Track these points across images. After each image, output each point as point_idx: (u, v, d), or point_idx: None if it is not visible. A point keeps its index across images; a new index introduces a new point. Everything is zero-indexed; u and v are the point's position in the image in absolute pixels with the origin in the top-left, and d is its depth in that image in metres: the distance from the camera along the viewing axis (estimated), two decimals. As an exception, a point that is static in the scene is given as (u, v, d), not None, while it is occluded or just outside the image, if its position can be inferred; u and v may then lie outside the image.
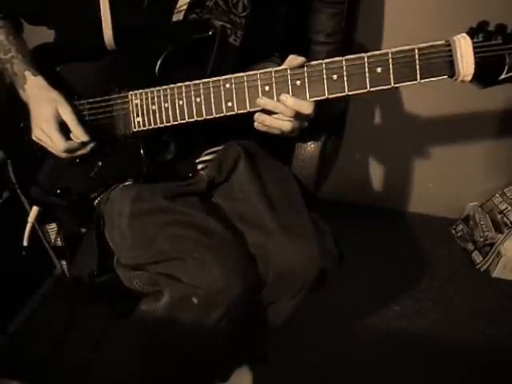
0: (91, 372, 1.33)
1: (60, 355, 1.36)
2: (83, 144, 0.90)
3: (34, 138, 0.92)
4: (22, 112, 0.94)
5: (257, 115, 0.83)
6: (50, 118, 0.87)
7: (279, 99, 0.80)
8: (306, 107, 0.80)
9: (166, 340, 0.93)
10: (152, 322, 0.91)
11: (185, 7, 0.89)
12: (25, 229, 1.08)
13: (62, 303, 1.45)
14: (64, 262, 1.29)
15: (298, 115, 0.81)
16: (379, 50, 0.75)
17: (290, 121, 0.82)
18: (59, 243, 1.18)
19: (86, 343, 1.39)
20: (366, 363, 1.39)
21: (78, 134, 0.88)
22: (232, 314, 0.87)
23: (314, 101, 0.80)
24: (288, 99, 0.79)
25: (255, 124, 0.85)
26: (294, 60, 0.78)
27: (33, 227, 1.09)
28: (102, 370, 1.34)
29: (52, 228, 1.16)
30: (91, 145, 0.91)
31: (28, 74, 0.91)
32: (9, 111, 1.03)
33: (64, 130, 0.89)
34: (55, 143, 0.88)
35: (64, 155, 0.91)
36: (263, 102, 0.81)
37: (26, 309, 1.49)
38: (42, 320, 1.48)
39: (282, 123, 0.83)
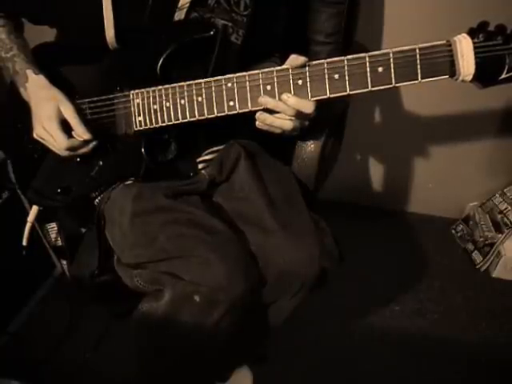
0: (91, 372, 1.32)
1: (60, 355, 1.36)
2: (85, 142, 0.90)
3: (35, 136, 0.91)
4: (21, 112, 0.94)
5: (258, 114, 0.83)
6: (51, 116, 0.87)
7: (281, 98, 0.80)
8: (308, 106, 0.80)
9: (167, 339, 0.93)
10: (153, 320, 0.90)
11: (187, 5, 0.89)
12: (25, 229, 1.08)
13: (62, 303, 1.45)
14: (64, 262, 1.29)
15: (299, 114, 0.81)
16: (379, 50, 0.75)
17: (291, 120, 0.82)
18: (59, 243, 1.18)
19: (86, 343, 1.39)
20: (366, 363, 1.39)
21: (80, 132, 0.88)
22: (233, 313, 0.87)
23: (316, 100, 0.80)
24: (289, 98, 0.79)
25: (256, 123, 0.85)
26: (295, 59, 0.78)
27: (33, 227, 1.09)
28: (102, 370, 1.33)
29: (52, 228, 1.16)
30: (93, 143, 0.91)
31: (29, 72, 0.91)
32: (9, 111, 1.03)
33: (65, 128, 0.88)
34: (57, 141, 0.88)
35: (65, 153, 0.91)
36: (265, 100, 0.81)
37: (25, 309, 1.48)
38: (42, 320, 1.48)
39: (283, 122, 0.83)
